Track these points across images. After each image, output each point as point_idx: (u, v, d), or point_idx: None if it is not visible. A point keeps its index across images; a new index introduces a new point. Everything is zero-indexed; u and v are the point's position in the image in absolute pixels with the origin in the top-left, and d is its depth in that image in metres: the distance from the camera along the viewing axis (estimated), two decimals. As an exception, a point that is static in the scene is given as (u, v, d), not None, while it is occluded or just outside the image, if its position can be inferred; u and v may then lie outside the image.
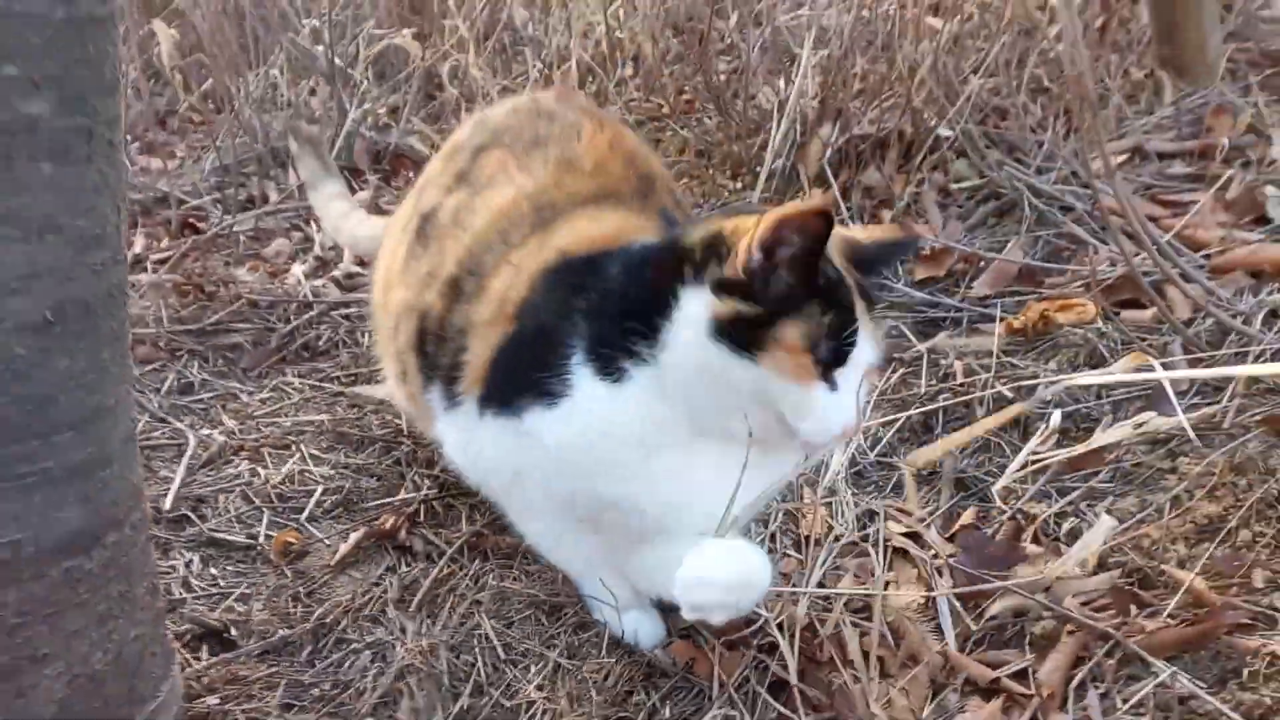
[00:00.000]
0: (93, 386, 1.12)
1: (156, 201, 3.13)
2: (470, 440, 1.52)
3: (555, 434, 1.39)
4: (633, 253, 1.40)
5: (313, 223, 3.03)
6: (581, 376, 1.36)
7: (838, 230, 1.33)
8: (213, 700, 1.36)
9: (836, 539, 1.77)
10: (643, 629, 1.54)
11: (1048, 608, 1.52)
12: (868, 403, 1.42)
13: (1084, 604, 1.55)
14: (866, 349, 1.31)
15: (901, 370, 2.18)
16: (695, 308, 1.30)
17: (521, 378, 1.40)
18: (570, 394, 1.36)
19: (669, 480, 1.37)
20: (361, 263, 2.80)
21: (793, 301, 1.27)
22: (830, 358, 1.28)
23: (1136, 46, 3.10)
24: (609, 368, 1.35)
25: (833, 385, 1.29)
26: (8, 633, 1.09)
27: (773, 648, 1.53)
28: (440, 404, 1.54)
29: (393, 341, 1.71)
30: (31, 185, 1.02)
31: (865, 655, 1.52)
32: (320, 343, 2.47)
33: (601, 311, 1.36)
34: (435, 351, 1.56)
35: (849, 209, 2.68)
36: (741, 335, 1.27)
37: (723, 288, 1.28)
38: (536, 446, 1.41)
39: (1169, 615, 1.49)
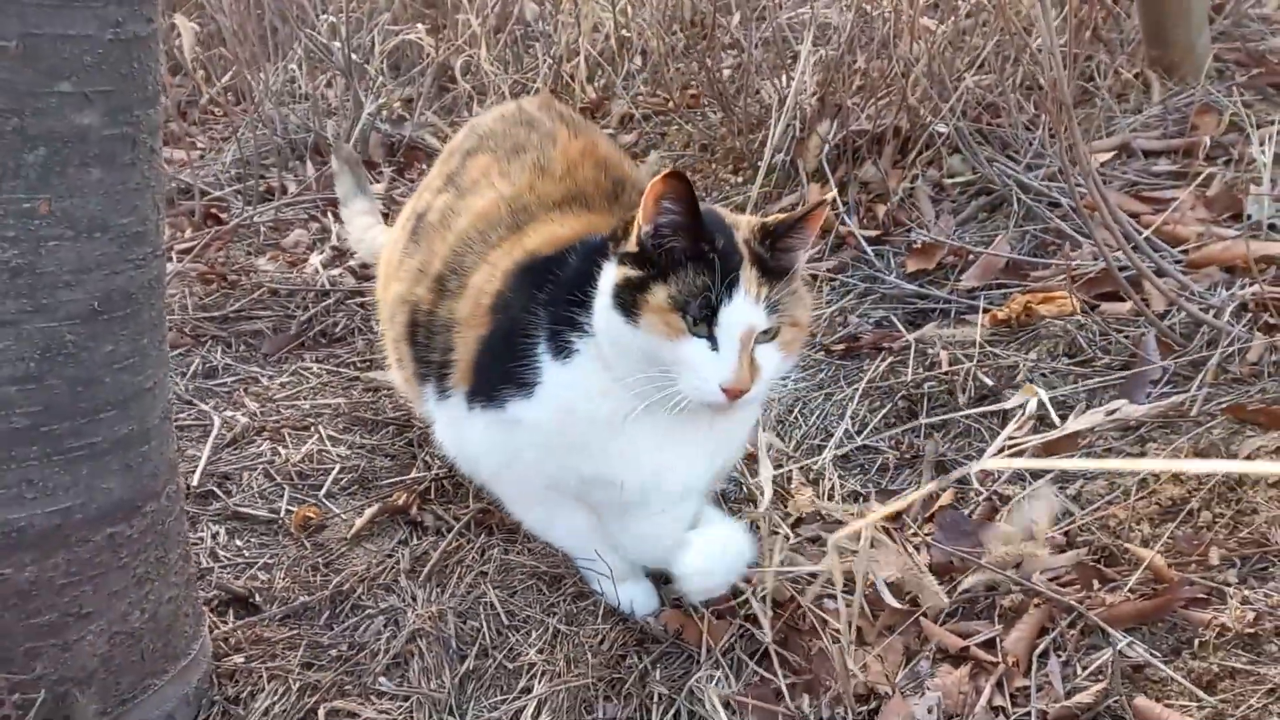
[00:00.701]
0: (134, 369, 1.24)
1: (180, 193, 3.25)
2: (461, 431, 1.67)
3: (533, 419, 1.55)
4: (586, 245, 1.55)
5: (329, 214, 3.14)
6: (545, 362, 1.52)
7: (750, 217, 1.50)
8: (239, 659, 1.48)
9: (822, 517, 1.88)
10: (638, 599, 1.67)
11: (1017, 582, 1.62)
12: (800, 366, 1.49)
13: (1051, 579, 1.66)
14: (744, 309, 1.40)
15: (890, 359, 2.28)
16: (607, 279, 1.46)
17: (500, 371, 1.56)
18: (540, 380, 1.52)
19: (636, 455, 1.51)
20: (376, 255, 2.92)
21: (672, 265, 1.41)
22: (699, 315, 1.40)
23: (1127, 46, 3.18)
24: (561, 348, 1.51)
25: (714, 344, 1.41)
26: (56, 592, 1.22)
27: (758, 617, 1.65)
28: (433, 397, 1.70)
29: (391, 330, 1.85)
30: (82, 188, 1.14)
31: (849, 624, 1.63)
32: (337, 329, 2.58)
33: (556, 299, 1.52)
34: (425, 343, 1.71)
35: (845, 203, 2.78)
36: (628, 299, 1.42)
37: (624, 259, 1.45)
38: (521, 433, 1.57)
39: (1129, 590, 1.60)
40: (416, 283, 1.75)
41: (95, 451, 1.21)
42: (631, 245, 1.44)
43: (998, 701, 1.48)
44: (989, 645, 1.57)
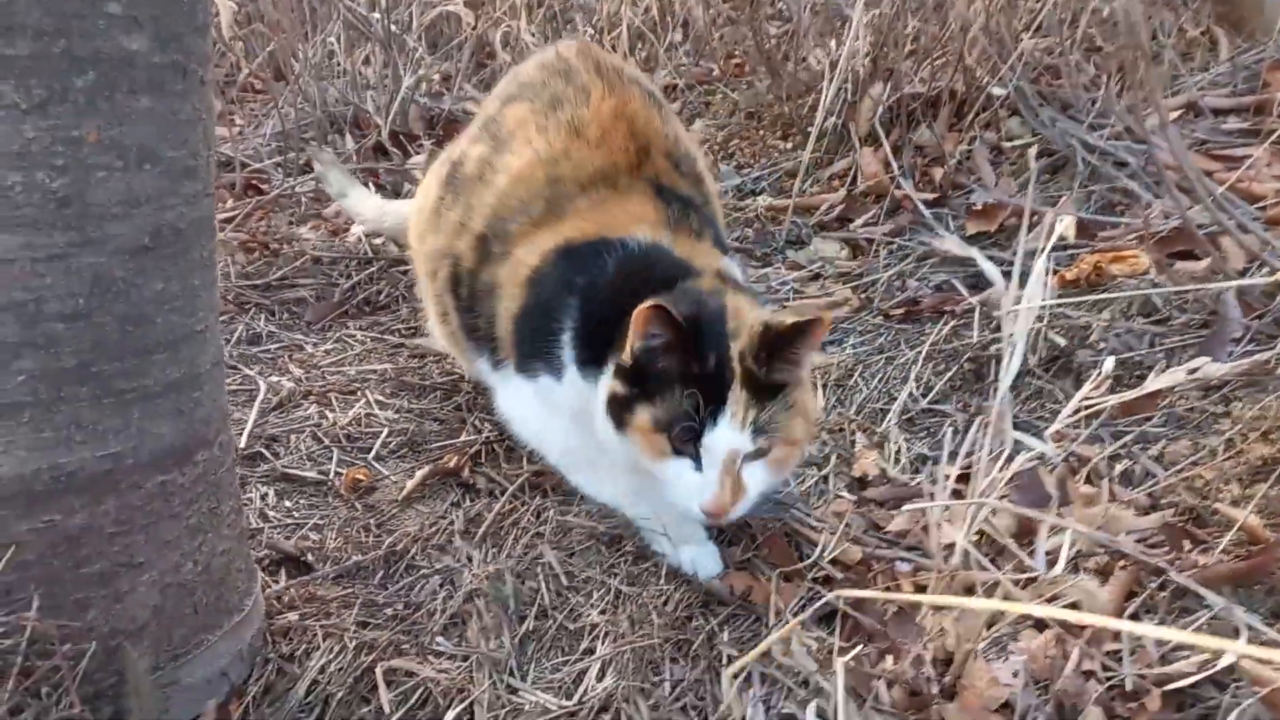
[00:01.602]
0: (185, 310, 1.19)
1: (220, 165, 3.21)
2: (509, 396, 1.72)
3: (562, 398, 1.58)
4: (619, 256, 1.53)
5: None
6: (568, 357, 1.54)
7: (759, 314, 1.45)
8: (293, 616, 1.43)
9: (888, 480, 1.81)
10: (701, 562, 1.59)
11: (1102, 544, 1.54)
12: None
13: (1137, 541, 1.58)
14: (729, 434, 1.38)
15: (953, 322, 2.20)
16: (604, 383, 1.47)
17: (534, 347, 1.59)
18: (564, 370, 1.56)
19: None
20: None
21: (660, 385, 1.40)
22: (683, 438, 1.39)
23: (1192, 3, 3.07)
24: (584, 366, 1.52)
25: (697, 464, 1.41)
26: (107, 540, 1.17)
27: (827, 579, 1.58)
28: (489, 369, 1.73)
29: (432, 284, 1.83)
30: (131, 116, 1.08)
31: (921, 588, 1.56)
32: (381, 297, 2.53)
33: (584, 302, 1.53)
34: (470, 304, 1.72)
35: (900, 167, 2.70)
36: (616, 413, 1.44)
37: (618, 371, 1.45)
38: (553, 405, 1.61)
39: (1222, 551, 1.51)
40: (457, 236, 1.74)
41: (146, 394, 1.16)
42: (625, 358, 1.42)
43: (1087, 666, 1.40)
44: (1075, 609, 1.49)
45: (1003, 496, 1.69)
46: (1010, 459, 1.39)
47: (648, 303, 1.33)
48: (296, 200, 3.00)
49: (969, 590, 1.53)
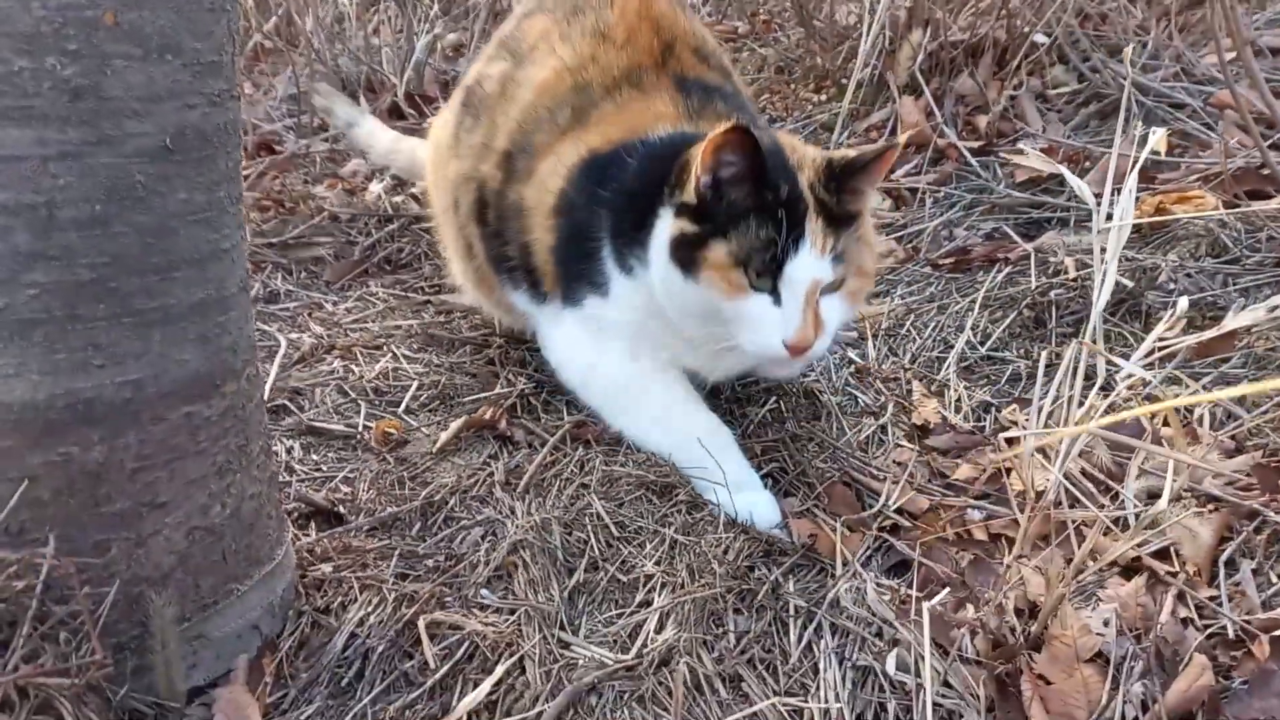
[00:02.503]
0: (211, 223, 1.08)
1: (231, 128, 3.11)
2: (556, 333, 1.66)
3: (612, 318, 1.54)
4: (641, 153, 1.49)
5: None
6: (610, 267, 1.51)
7: (815, 151, 1.42)
8: (327, 568, 1.32)
9: (952, 427, 1.70)
10: (758, 510, 1.48)
11: (1199, 464, 1.42)
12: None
13: (1227, 484, 1.47)
14: (809, 263, 1.34)
15: (1008, 269, 2.09)
16: (663, 229, 1.41)
17: (576, 271, 1.55)
18: (609, 283, 1.52)
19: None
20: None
21: (733, 220, 1.35)
22: (763, 270, 1.34)
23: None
24: (624, 262, 1.49)
25: (776, 299, 1.35)
26: (129, 477, 1.06)
27: (895, 528, 1.47)
28: (531, 305, 1.68)
29: (454, 217, 1.76)
30: (151, 0, 0.98)
31: (994, 536, 1.46)
32: (402, 255, 2.43)
33: (615, 207, 1.48)
34: (497, 229, 1.66)
35: (941, 116, 2.58)
36: (685, 256, 1.37)
37: (681, 211, 1.39)
38: (601, 329, 1.57)
39: (1321, 493, 1.41)
40: (481, 159, 1.68)
41: (169, 315, 1.05)
42: (689, 196, 1.38)
43: (1183, 613, 1.30)
44: (1162, 555, 1.39)
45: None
46: (1104, 390, 1.29)
47: (721, 128, 1.29)
48: (311, 160, 2.89)
49: (1043, 539, 1.44)
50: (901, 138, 1.49)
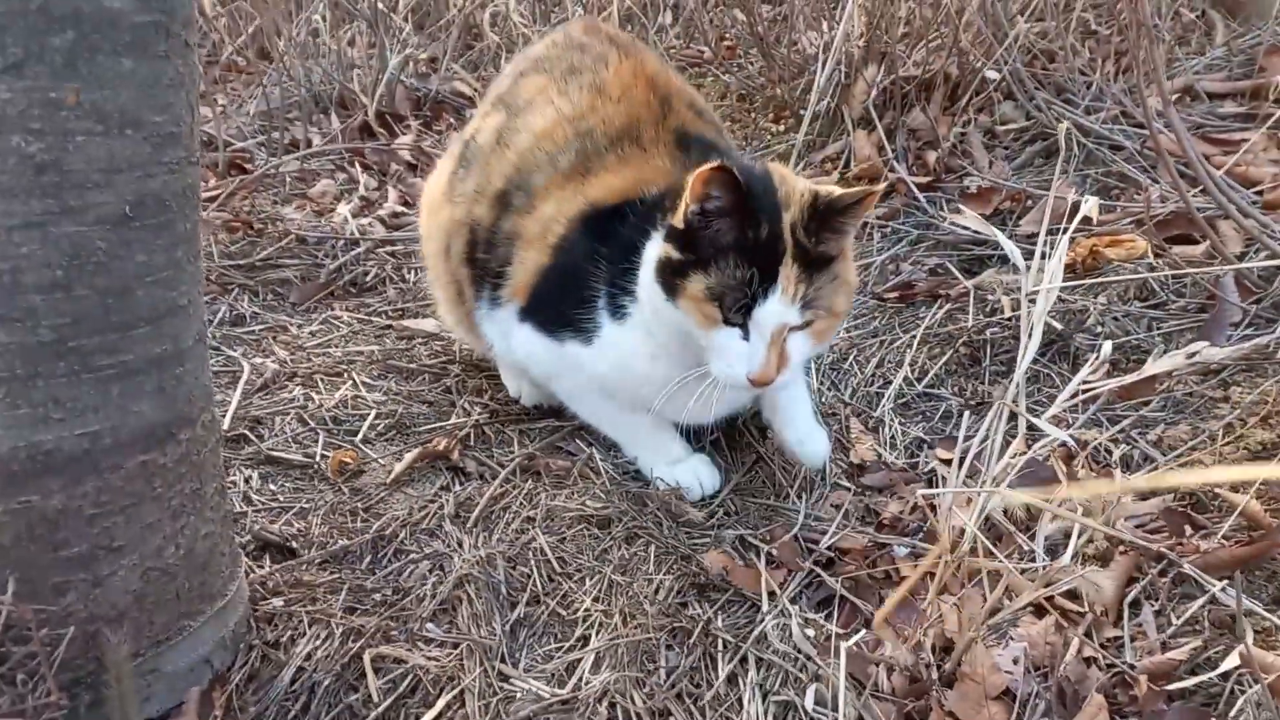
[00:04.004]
0: (168, 283, 1.14)
1: (203, 144, 3.15)
2: (511, 338, 1.72)
3: (590, 364, 1.62)
4: (639, 206, 1.56)
5: (356, 165, 3.04)
6: (603, 319, 1.58)
7: (805, 184, 1.48)
8: (278, 602, 1.39)
9: (885, 465, 1.78)
10: (703, 475, 1.70)
11: (1105, 530, 1.51)
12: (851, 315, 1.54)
13: (1136, 527, 1.56)
14: (778, 309, 1.42)
15: (948, 306, 2.17)
16: (652, 250, 1.49)
17: (561, 313, 1.62)
18: (598, 334, 1.59)
19: (684, 403, 1.56)
20: (406, 203, 2.83)
21: (713, 253, 1.42)
22: (734, 308, 1.42)
23: (1188, -13, 3.05)
24: (616, 309, 1.57)
25: (745, 334, 1.44)
26: (86, 522, 1.13)
27: (829, 562, 1.55)
28: (486, 305, 1.74)
29: (445, 262, 1.80)
30: (113, 80, 1.04)
31: (926, 575, 1.54)
32: (368, 279, 2.49)
33: (613, 259, 1.56)
34: (486, 258, 1.72)
35: (894, 150, 2.67)
36: (668, 280, 1.46)
37: (669, 235, 1.47)
38: (575, 365, 1.64)
39: (1223, 537, 1.49)
40: (474, 204, 1.74)
41: (127, 370, 1.12)
42: (678, 221, 1.44)
43: (1087, 652, 1.38)
44: (1072, 596, 1.47)
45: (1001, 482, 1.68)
46: (1023, 444, 1.37)
47: (708, 165, 1.36)
48: (281, 180, 2.94)
49: (969, 576, 1.52)
50: (880, 186, 1.55)
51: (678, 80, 1.78)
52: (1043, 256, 1.44)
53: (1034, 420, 1.32)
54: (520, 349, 1.71)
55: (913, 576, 1.21)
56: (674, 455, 1.72)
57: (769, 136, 2.95)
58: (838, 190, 1.44)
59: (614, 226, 1.56)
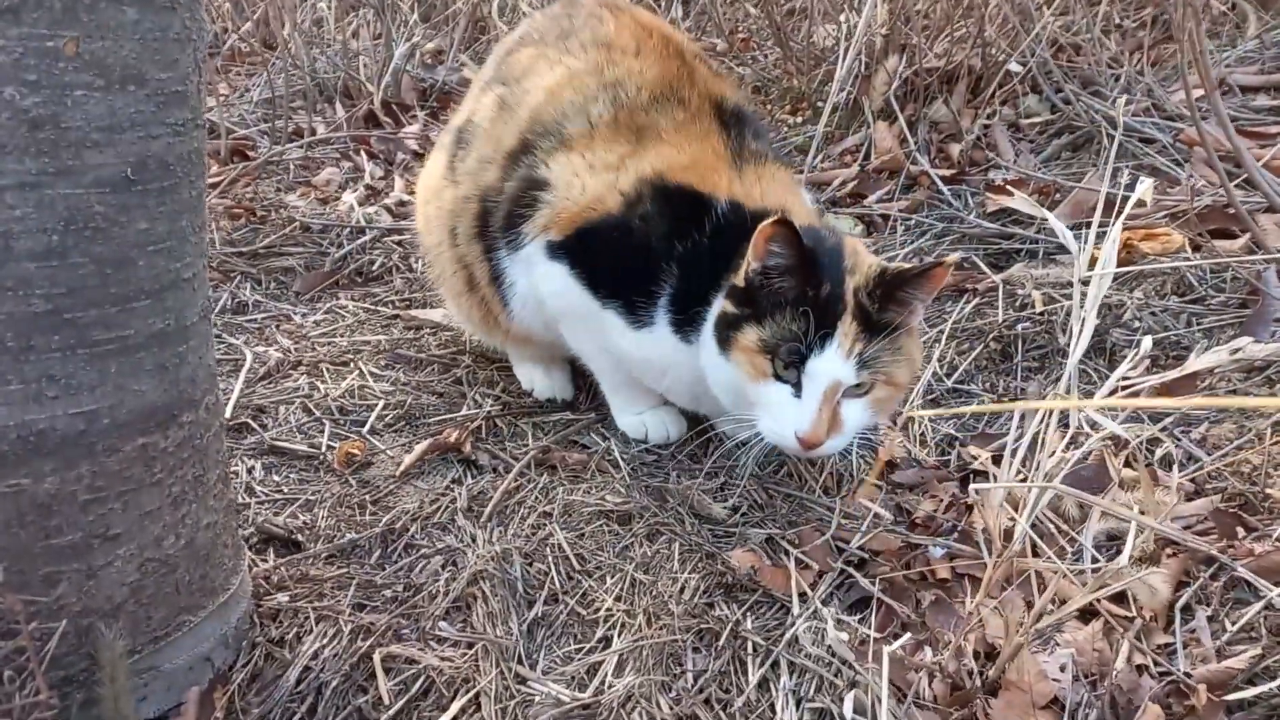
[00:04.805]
0: (171, 253, 1.07)
1: (206, 132, 3.07)
2: (533, 269, 1.61)
3: (625, 343, 1.57)
4: (709, 228, 1.48)
5: (362, 153, 2.97)
6: (661, 319, 1.52)
7: (874, 259, 1.46)
8: (283, 597, 1.31)
9: (917, 462, 1.71)
10: (669, 423, 1.73)
11: (1158, 530, 1.43)
12: (890, 422, 1.55)
13: (1184, 529, 1.48)
14: (834, 362, 1.36)
15: (976, 300, 2.10)
16: (715, 310, 1.46)
17: (616, 280, 1.54)
18: (650, 329, 1.53)
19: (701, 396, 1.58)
20: (413, 191, 2.75)
21: (771, 307, 1.38)
22: (787, 361, 1.37)
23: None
24: (682, 329, 1.51)
25: (797, 391, 1.39)
26: (80, 509, 1.05)
27: (861, 563, 1.47)
28: (505, 253, 1.65)
29: (452, 248, 1.74)
30: (115, 30, 0.96)
31: (959, 576, 1.46)
32: (374, 268, 2.41)
33: (688, 273, 1.49)
34: (494, 210, 1.64)
35: (915, 143, 2.60)
36: (723, 333, 1.42)
37: (730, 292, 1.44)
38: (601, 329, 1.56)
39: (1277, 539, 1.42)
40: (480, 175, 1.68)
41: (126, 346, 1.04)
42: (739, 280, 1.42)
43: (1138, 660, 1.30)
44: (1119, 599, 1.40)
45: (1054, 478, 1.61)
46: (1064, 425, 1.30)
47: (771, 219, 1.33)
48: (284, 167, 2.86)
49: (1008, 580, 1.44)
50: (951, 258, 1.49)
51: (676, 32, 1.75)
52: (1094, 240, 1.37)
53: (1091, 411, 1.24)
54: (545, 285, 1.60)
55: (990, 573, 1.13)
56: (650, 404, 1.74)
57: (785, 129, 2.87)
58: (908, 266, 1.43)
59: (683, 228, 1.49)
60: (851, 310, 1.37)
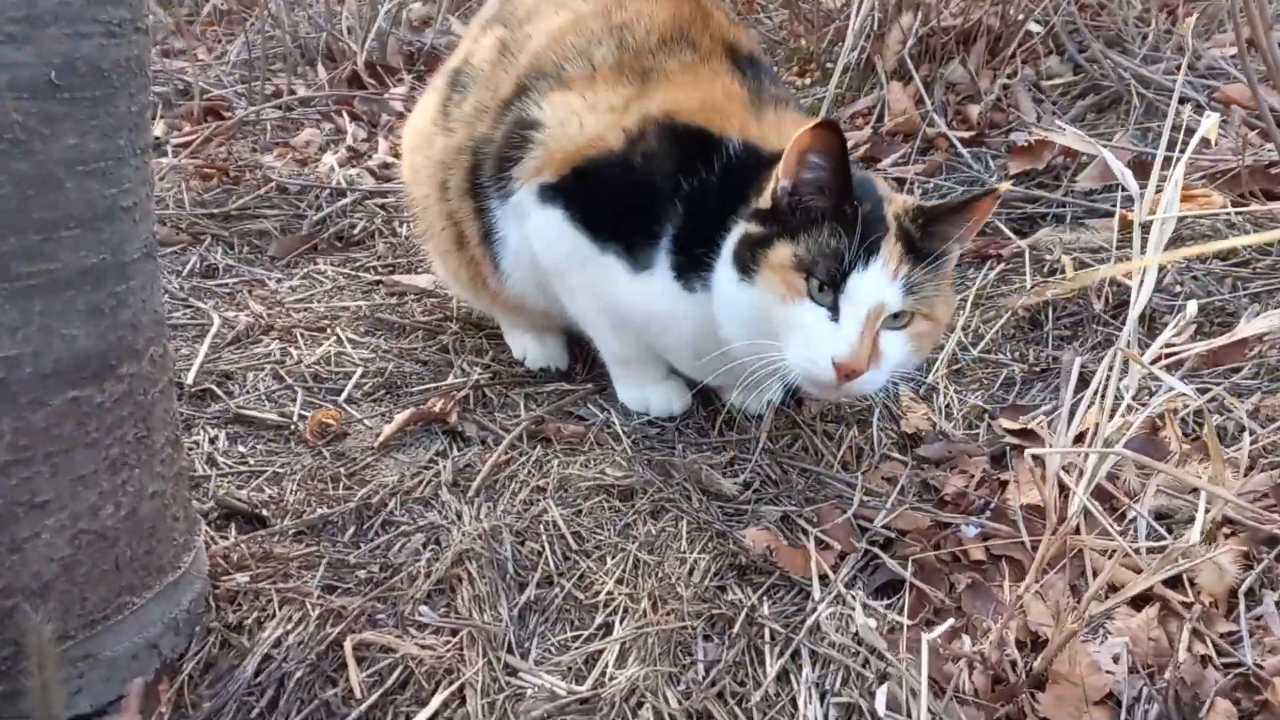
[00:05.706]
0: (106, 176, 0.92)
1: (179, 93, 2.92)
2: (526, 218, 1.48)
3: (622, 292, 1.43)
4: (725, 159, 1.36)
5: (344, 114, 2.81)
6: (662, 263, 1.39)
7: (904, 196, 1.37)
8: (243, 578, 1.17)
9: (943, 435, 1.57)
10: (673, 397, 1.59)
11: (1234, 500, 1.29)
12: (916, 350, 1.32)
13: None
14: (878, 282, 1.23)
15: (1001, 267, 1.96)
16: (733, 238, 1.31)
17: (617, 219, 1.42)
18: (650, 273, 1.40)
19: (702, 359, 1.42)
20: (398, 154, 2.60)
21: (806, 224, 1.25)
22: (825, 279, 1.23)
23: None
24: (684, 274, 1.38)
25: (835, 315, 1.24)
26: (1, 471, 0.90)
27: (887, 543, 1.34)
28: (497, 203, 1.51)
29: (442, 202, 1.60)
30: (32, -99, 0.81)
31: (994, 557, 1.33)
32: (355, 232, 2.26)
33: (693, 212, 1.37)
34: (485, 161, 1.52)
35: (931, 104, 2.45)
36: (745, 255, 1.28)
37: (752, 216, 1.31)
38: (602, 278, 1.44)
39: (1346, 517, 1.28)
40: (475, 123, 1.54)
41: (53, 281, 0.89)
42: (764, 202, 1.29)
43: (1199, 649, 1.17)
44: (1173, 583, 1.26)
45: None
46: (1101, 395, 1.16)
47: (813, 122, 1.22)
48: (262, 128, 2.71)
49: (1049, 564, 1.30)
50: (1003, 185, 1.39)
51: None
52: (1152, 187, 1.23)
53: (1156, 371, 1.10)
54: (539, 237, 1.47)
55: (1044, 550, 0.99)
56: (655, 377, 1.60)
57: (794, 90, 2.73)
58: (946, 203, 1.33)
59: (698, 163, 1.36)
60: (894, 231, 1.25)
